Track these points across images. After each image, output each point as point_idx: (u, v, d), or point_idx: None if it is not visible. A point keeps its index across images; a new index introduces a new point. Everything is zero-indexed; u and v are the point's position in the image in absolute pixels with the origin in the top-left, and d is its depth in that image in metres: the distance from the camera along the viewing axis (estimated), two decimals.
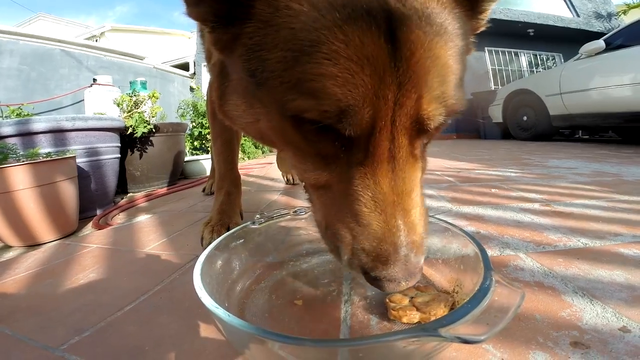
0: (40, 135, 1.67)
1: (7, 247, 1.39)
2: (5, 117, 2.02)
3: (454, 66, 0.39)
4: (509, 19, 7.88)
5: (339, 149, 0.41)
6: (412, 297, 0.53)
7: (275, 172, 2.36)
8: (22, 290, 0.76)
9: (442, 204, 1.21)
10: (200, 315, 0.58)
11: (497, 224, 0.95)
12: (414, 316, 0.49)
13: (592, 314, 0.51)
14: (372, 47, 0.34)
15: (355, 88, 0.34)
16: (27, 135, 1.65)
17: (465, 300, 0.37)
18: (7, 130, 1.61)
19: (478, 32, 0.54)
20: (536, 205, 1.13)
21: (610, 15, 9.09)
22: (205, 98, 2.58)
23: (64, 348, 0.52)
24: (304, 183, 0.51)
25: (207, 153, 3.64)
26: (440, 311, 0.48)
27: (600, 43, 3.86)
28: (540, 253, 0.75)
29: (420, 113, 0.38)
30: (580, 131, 5.98)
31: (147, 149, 2.39)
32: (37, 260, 0.96)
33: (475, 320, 0.34)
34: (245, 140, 3.85)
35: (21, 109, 2.15)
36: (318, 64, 0.34)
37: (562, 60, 8.52)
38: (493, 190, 1.41)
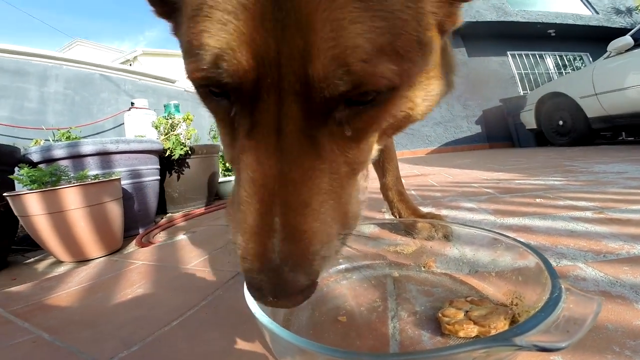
0: (89, 157, 1.79)
1: (59, 263, 1.48)
2: (56, 140, 2.16)
3: (364, 14, 0.29)
4: (527, 20, 7.73)
5: (230, 115, 0.35)
6: (467, 311, 0.50)
7: None
8: (74, 303, 0.79)
9: (484, 217, 1.16)
10: (245, 332, 0.58)
11: (548, 234, 0.90)
12: (472, 330, 0.46)
13: None
14: None
15: (228, 34, 0.29)
16: (76, 158, 1.77)
17: (534, 311, 0.35)
18: (60, 153, 1.74)
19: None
20: (588, 214, 1.06)
21: (629, 10, 8.72)
22: None
23: None
24: None
25: None
26: (501, 324, 0.45)
27: (628, 39, 3.69)
28: (601, 262, 0.69)
29: (309, 71, 0.29)
30: (624, 133, 5.62)
31: (183, 170, 2.48)
32: (88, 275, 1.00)
33: (548, 330, 0.32)
34: None
35: (70, 132, 2.30)
36: (198, 23, 0.31)
37: (590, 59, 8.20)
38: (538, 200, 1.34)
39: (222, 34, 0.29)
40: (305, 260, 0.31)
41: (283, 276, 0.30)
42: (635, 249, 0.74)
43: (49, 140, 2.11)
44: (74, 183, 1.42)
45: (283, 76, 0.29)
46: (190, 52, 0.31)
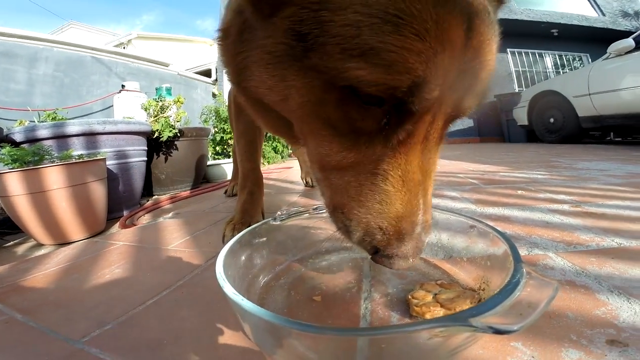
0: (74, 138, 1.75)
1: (39, 246, 1.46)
2: (42, 121, 2.12)
3: (495, 64, 0.40)
4: (531, 19, 7.69)
5: (382, 128, 0.39)
6: (435, 294, 0.51)
7: (294, 176, 2.37)
8: (50, 285, 0.78)
9: (466, 206, 1.18)
10: (220, 310, 0.58)
11: (524, 224, 0.92)
12: (438, 312, 0.47)
13: (629, 313, 0.49)
14: (455, 32, 0.34)
15: (435, 67, 0.33)
16: (61, 138, 1.73)
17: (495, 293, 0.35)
18: (44, 133, 1.71)
19: None
20: (566, 207, 1.08)
21: (637, 14, 8.74)
22: (227, 104, 2.64)
23: (84, 340, 0.53)
24: (314, 165, 0.48)
25: (229, 158, 3.70)
26: (466, 307, 0.47)
27: (630, 42, 3.70)
28: (571, 252, 0.71)
29: (463, 102, 0.39)
30: (612, 133, 5.71)
31: (172, 152, 2.46)
32: (67, 256, 1.00)
33: (506, 313, 0.33)
34: (265, 145, 3.90)
35: (56, 114, 2.25)
36: (404, 37, 0.32)
37: (590, 60, 8.22)
38: (519, 191, 1.36)
39: (430, 65, 0.33)
40: (430, 224, 0.43)
41: (421, 239, 0.41)
42: (604, 242, 0.76)
43: (34, 122, 2.06)
44: (57, 162, 1.40)
45: (445, 102, 0.37)
46: (374, 60, 0.33)
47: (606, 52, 4.02)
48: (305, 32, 0.36)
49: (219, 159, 3.83)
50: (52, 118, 2.19)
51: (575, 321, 0.48)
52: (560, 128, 4.74)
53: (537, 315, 0.31)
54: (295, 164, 3.28)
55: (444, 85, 0.35)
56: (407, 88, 0.34)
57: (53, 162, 1.43)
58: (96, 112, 3.91)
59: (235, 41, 0.48)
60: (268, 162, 4.12)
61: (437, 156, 0.43)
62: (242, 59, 0.46)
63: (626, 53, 3.75)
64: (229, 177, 2.59)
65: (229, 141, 3.84)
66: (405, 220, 0.39)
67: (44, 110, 2.43)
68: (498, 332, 0.30)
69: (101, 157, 1.61)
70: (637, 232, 0.81)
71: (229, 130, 3.81)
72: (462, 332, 0.33)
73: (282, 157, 4.49)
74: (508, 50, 8.11)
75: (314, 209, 0.76)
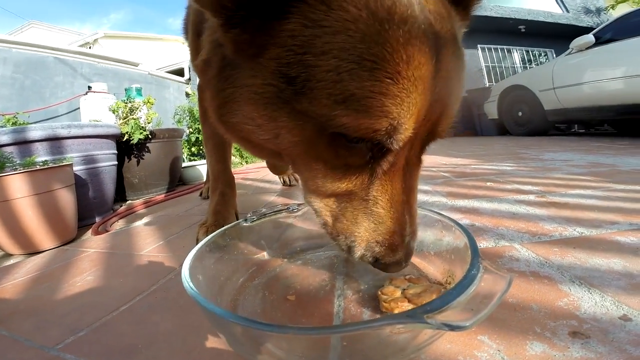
0: (37, 143, 1.68)
1: (8, 256, 1.40)
2: (1, 126, 2.02)
3: (463, 84, 0.44)
4: (500, 15, 7.92)
5: (368, 161, 0.43)
6: (404, 289, 0.53)
7: (272, 175, 2.36)
8: (20, 294, 0.76)
9: (438, 199, 1.21)
10: (194, 314, 0.58)
11: (492, 216, 0.96)
12: (406, 307, 0.48)
13: (590, 303, 0.50)
14: (426, 68, 0.36)
15: (409, 107, 0.36)
16: (23, 144, 1.66)
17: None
18: (3, 139, 1.63)
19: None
20: (531, 197, 1.13)
21: (599, 10, 9.16)
22: None
23: (59, 347, 0.52)
24: (311, 195, 0.51)
25: (204, 159, 3.64)
26: None
27: (590, 37, 3.89)
28: (535, 243, 0.75)
29: (437, 127, 0.43)
30: (576, 125, 5.99)
31: (144, 155, 2.40)
32: (36, 265, 0.96)
33: (463, 308, 0.34)
34: None
35: (16, 118, 2.15)
36: (379, 82, 0.34)
37: (554, 55, 8.55)
38: (488, 183, 1.41)
39: (405, 106, 0.36)
40: (416, 232, 0.48)
41: (410, 246, 0.46)
42: (567, 231, 0.80)
43: None
44: (19, 170, 1.34)
45: (421, 130, 0.41)
46: (355, 106, 0.35)
47: (569, 48, 4.20)
48: (293, 75, 0.37)
49: (195, 160, 3.75)
50: (12, 123, 2.09)
51: (539, 313, 0.49)
52: (528, 121, 4.94)
53: (490, 310, 0.32)
54: None
55: (419, 119, 0.38)
56: (385, 130, 0.37)
57: (15, 169, 1.37)
58: (61, 115, 3.74)
59: (217, 76, 0.47)
60: (246, 162, 4.07)
61: (418, 172, 0.49)
62: (227, 95, 0.46)
63: (587, 48, 3.93)
64: (205, 178, 2.55)
65: None
66: (396, 234, 0.44)
67: (3, 115, 2.31)
68: (452, 328, 0.31)
69: (67, 163, 1.55)
70: (597, 221, 0.85)
71: None
72: (419, 328, 0.34)
73: None
74: (479, 46, 8.33)
75: (287, 209, 0.76)
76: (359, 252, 0.47)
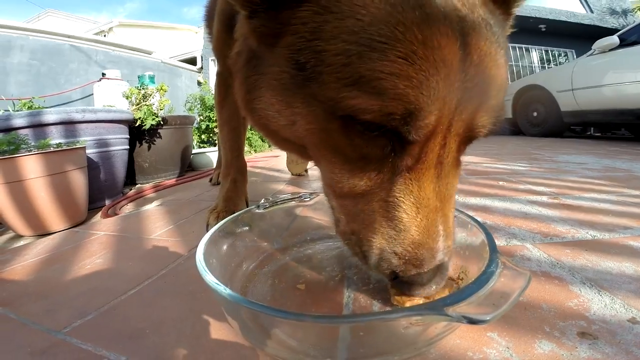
0: (51, 127, 1.71)
1: (18, 237, 1.42)
2: (17, 110, 2.05)
3: (505, 77, 0.40)
4: (520, 14, 7.74)
5: (388, 154, 0.39)
6: None
7: (281, 164, 2.36)
8: (30, 276, 0.77)
9: None
10: (202, 299, 0.58)
11: (504, 215, 0.94)
12: (417, 301, 0.48)
13: (600, 305, 0.50)
14: (447, 50, 0.33)
15: (428, 91, 0.33)
16: (38, 127, 1.68)
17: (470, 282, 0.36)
18: (19, 122, 1.65)
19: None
20: (544, 198, 1.11)
21: (625, 12, 8.91)
22: (212, 92, 2.60)
23: (66, 331, 0.52)
24: (328, 192, 0.49)
25: (214, 146, 3.66)
26: None
27: (615, 39, 3.77)
28: (547, 244, 0.74)
29: (475, 121, 0.38)
30: (592, 128, 5.86)
31: (155, 141, 2.42)
32: (46, 247, 0.97)
33: (480, 303, 0.33)
34: (252, 133, 3.87)
35: (32, 102, 2.18)
36: (391, 62, 0.32)
37: (575, 56, 8.37)
38: (500, 182, 1.39)
39: (424, 89, 0.33)
40: (452, 250, 0.42)
41: (444, 266, 0.41)
42: (579, 234, 0.79)
43: (8, 111, 1.99)
44: (34, 151, 1.36)
45: (453, 124, 0.37)
46: (366, 88, 0.33)
47: (591, 49, 4.09)
48: (303, 61, 0.37)
49: (204, 147, 3.78)
50: (28, 107, 2.12)
51: (549, 312, 0.49)
52: (543, 122, 4.84)
53: (509, 305, 0.32)
54: (282, 152, 3.26)
55: (445, 108, 0.35)
56: (401, 115, 0.34)
57: (30, 151, 1.39)
58: (75, 100, 3.80)
59: (245, 65, 0.49)
60: (255, 151, 4.09)
61: (456, 180, 0.43)
62: (252, 82, 0.48)
63: (610, 50, 3.82)
64: (215, 165, 2.57)
65: (215, 129, 3.80)
66: (423, 247, 0.39)
67: (19, 99, 2.34)
68: (471, 321, 0.30)
69: (81, 146, 1.57)
70: (610, 225, 0.84)
71: (214, 118, 3.76)
72: (438, 321, 0.33)
73: (269, 146, 4.46)
74: None
75: (299, 198, 0.76)
76: (372, 259, 0.42)
